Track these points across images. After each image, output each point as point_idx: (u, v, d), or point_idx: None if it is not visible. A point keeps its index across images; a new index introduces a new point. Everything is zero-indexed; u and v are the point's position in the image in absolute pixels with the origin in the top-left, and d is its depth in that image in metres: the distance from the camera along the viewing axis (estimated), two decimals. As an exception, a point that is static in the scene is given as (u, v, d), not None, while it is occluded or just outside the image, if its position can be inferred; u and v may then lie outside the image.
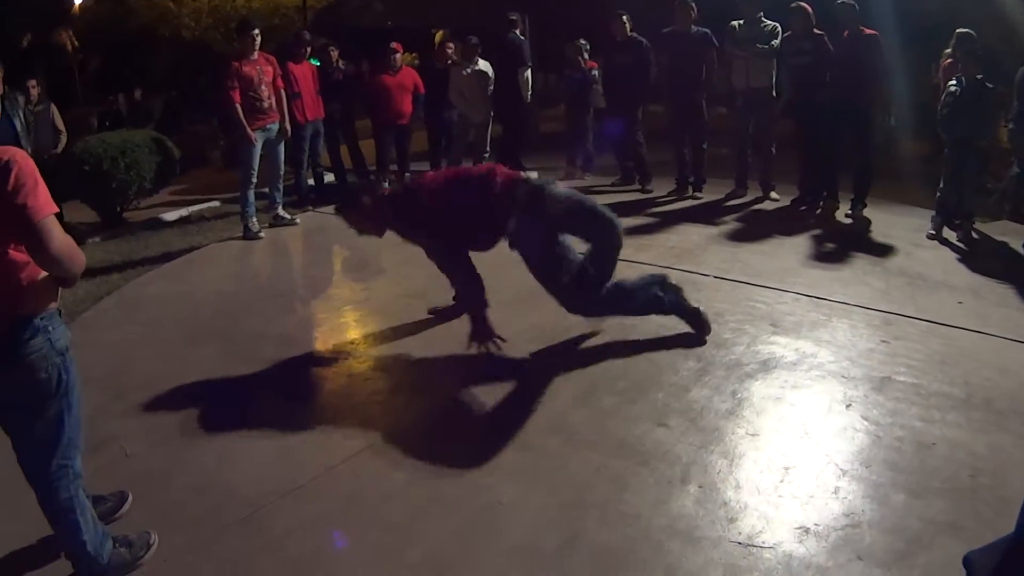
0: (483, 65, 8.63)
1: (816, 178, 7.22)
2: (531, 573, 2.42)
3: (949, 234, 6.09)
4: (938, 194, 6.16)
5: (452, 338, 4.26)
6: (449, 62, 8.79)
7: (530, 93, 8.59)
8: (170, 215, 7.94)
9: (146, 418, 3.57)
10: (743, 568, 2.39)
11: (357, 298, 5.14)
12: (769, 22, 7.02)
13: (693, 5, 7.24)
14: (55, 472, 2.34)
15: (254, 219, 6.75)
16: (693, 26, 7.31)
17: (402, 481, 2.96)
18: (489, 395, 3.64)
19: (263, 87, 6.51)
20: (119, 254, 6.42)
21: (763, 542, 2.51)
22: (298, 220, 7.23)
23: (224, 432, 3.41)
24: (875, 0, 7.41)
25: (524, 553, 2.50)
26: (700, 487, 2.84)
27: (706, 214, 7.07)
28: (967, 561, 2.11)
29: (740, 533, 2.56)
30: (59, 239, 2.06)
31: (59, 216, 7.20)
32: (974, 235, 6.04)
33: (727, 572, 2.38)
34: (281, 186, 7.11)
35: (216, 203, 8.65)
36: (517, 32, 8.57)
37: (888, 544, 2.50)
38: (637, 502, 2.75)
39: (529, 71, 8.49)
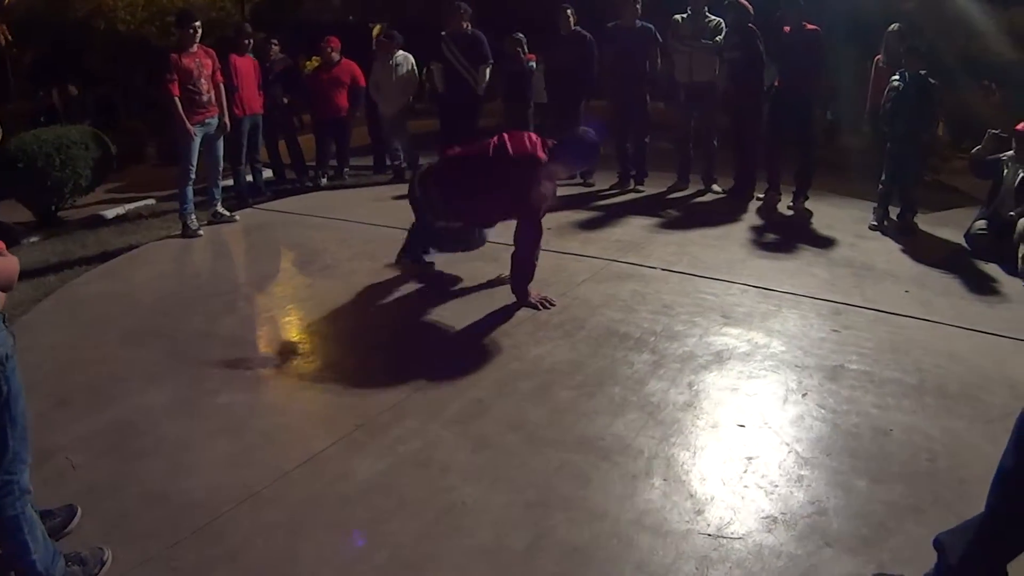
0: (401, 59, 8.57)
1: (748, 169, 7.35)
2: (500, 573, 2.36)
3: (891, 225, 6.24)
4: (880, 186, 6.32)
5: (400, 335, 4.20)
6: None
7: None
8: (107, 213, 7.60)
9: (91, 425, 3.37)
10: (715, 560, 2.38)
11: (302, 296, 5.00)
12: (713, 17, 7.09)
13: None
14: (0, 488, 2.19)
15: (193, 216, 6.52)
16: (637, 21, 7.33)
17: (361, 484, 2.86)
18: (442, 392, 3.55)
19: (202, 80, 6.29)
20: (55, 254, 6.12)
21: (732, 533, 2.51)
22: (237, 217, 7.02)
23: (174, 438, 3.24)
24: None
25: (492, 554, 2.44)
26: (664, 480, 2.82)
27: (649, 207, 7.13)
28: (937, 542, 2.13)
29: (709, 525, 2.55)
30: None
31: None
32: (916, 226, 6.20)
33: (699, 565, 2.36)
34: (220, 182, 6.90)
35: (152, 201, 8.34)
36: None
37: (855, 530, 2.53)
38: (602, 498, 2.72)
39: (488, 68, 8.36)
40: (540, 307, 4.50)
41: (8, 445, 2.17)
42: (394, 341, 4.17)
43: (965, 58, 9.91)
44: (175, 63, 6.13)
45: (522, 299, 4.56)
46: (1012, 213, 5.41)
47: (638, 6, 7.29)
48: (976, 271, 5.32)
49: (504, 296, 4.66)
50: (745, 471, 2.87)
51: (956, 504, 2.58)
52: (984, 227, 5.67)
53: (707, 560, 2.38)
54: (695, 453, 3.01)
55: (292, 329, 4.46)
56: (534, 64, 8.78)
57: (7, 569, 2.34)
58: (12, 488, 2.20)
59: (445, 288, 4.88)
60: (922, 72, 6.02)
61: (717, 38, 7.03)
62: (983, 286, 5.02)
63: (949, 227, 6.29)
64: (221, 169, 6.84)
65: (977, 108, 9.67)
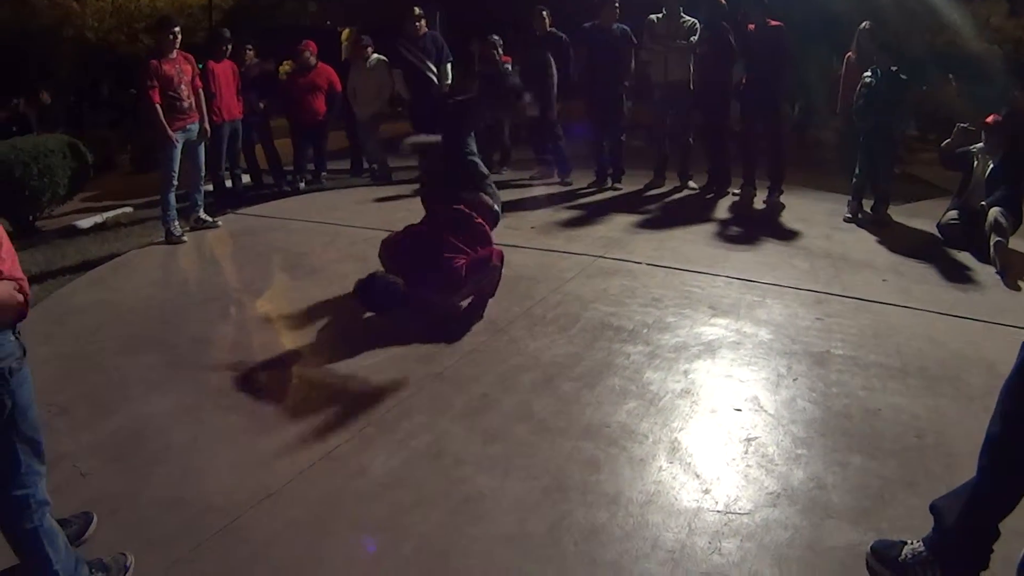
0: (374, 62, 8.68)
1: (722, 166, 7.53)
2: (527, 556, 2.46)
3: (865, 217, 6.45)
4: (853, 179, 6.53)
5: (395, 335, 4.25)
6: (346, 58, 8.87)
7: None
8: (84, 222, 7.55)
9: (96, 433, 3.36)
10: (726, 534, 2.51)
11: (294, 298, 5.01)
12: (688, 18, 7.25)
13: (617, 2, 7.40)
14: (15, 503, 2.17)
15: (176, 223, 6.51)
16: (615, 23, 7.47)
17: (377, 480, 2.93)
18: (447, 388, 3.64)
19: (183, 87, 6.30)
20: (36, 264, 6.06)
21: (740, 509, 2.64)
22: (220, 223, 7.01)
23: (182, 443, 3.26)
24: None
25: (516, 539, 2.53)
26: (670, 463, 2.95)
27: (628, 204, 7.28)
28: (934, 508, 2.30)
29: (717, 503, 2.69)
30: None
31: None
32: (889, 217, 6.42)
33: (712, 539, 2.49)
34: (202, 188, 6.91)
35: (129, 209, 8.29)
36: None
37: (854, 502, 2.68)
38: (614, 481, 2.84)
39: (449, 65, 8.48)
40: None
41: (19, 459, 2.15)
42: (390, 340, 4.21)
43: (931, 52, 10.27)
44: (155, 69, 6.12)
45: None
46: (982, 203, 5.64)
47: (616, 8, 7.42)
48: (949, 259, 5.56)
49: (497, 293, 4.76)
50: (746, 452, 3.01)
51: (945, 476, 2.74)
52: (955, 217, 5.91)
53: (719, 535, 2.51)
54: (697, 436, 3.15)
55: (289, 332, 4.50)
56: (509, 66, 8.89)
57: None
58: (28, 502, 2.18)
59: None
60: (893, 68, 6.24)
61: (692, 38, 7.18)
62: (957, 273, 5.25)
63: (921, 218, 6.53)
64: (203, 175, 6.84)
65: (943, 101, 10.01)
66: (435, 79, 8.27)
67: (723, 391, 3.54)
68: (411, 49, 8.18)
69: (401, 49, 8.21)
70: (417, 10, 8.20)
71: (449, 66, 8.40)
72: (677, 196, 7.68)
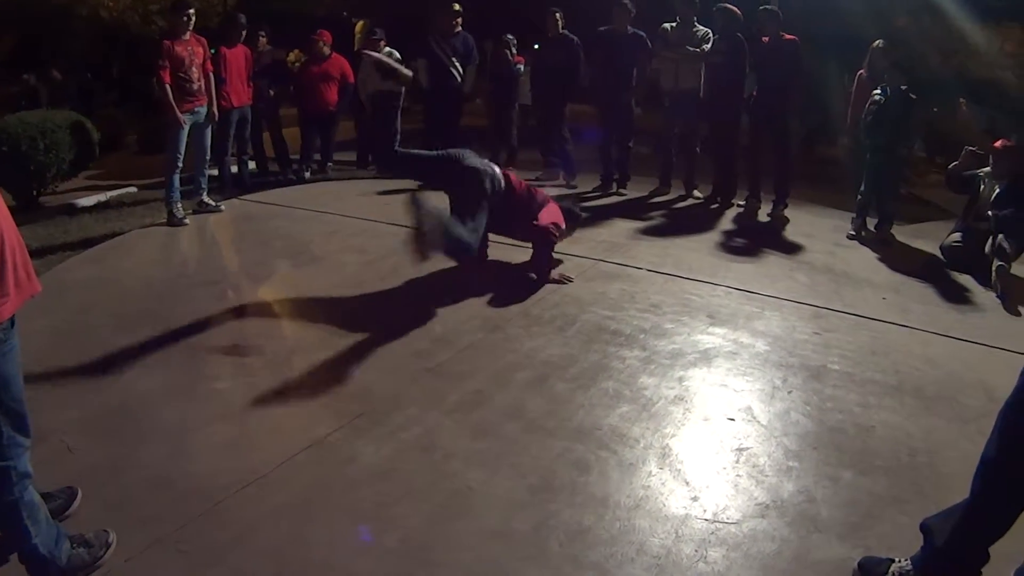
0: (386, 56, 8.64)
1: (728, 177, 7.52)
2: (511, 554, 2.44)
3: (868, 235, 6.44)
4: (859, 197, 6.53)
5: (393, 328, 4.24)
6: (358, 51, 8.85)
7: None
8: (87, 200, 7.55)
9: (86, 409, 3.34)
10: (713, 543, 2.50)
11: (293, 286, 5.02)
12: (701, 27, 7.25)
13: (631, 6, 7.39)
14: None
15: (179, 205, 6.50)
16: (629, 27, 7.46)
17: (366, 469, 2.91)
18: (441, 382, 3.63)
19: (193, 69, 6.30)
20: (36, 239, 6.04)
21: (728, 518, 2.63)
22: (223, 207, 7.01)
23: (173, 423, 3.24)
24: (795, 8, 7.77)
25: (502, 535, 2.52)
26: (660, 468, 2.94)
27: (632, 210, 7.26)
28: (924, 527, 2.28)
29: (705, 511, 2.67)
30: None
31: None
32: (893, 237, 6.41)
33: (699, 547, 2.47)
34: (207, 172, 6.89)
35: (133, 189, 8.29)
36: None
37: (842, 517, 2.67)
38: (602, 484, 2.82)
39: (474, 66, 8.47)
40: (563, 282, 4.99)
41: (1, 431, 2.13)
42: (388, 333, 4.20)
43: (944, 74, 10.30)
44: (168, 50, 6.12)
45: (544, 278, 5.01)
46: (986, 226, 5.63)
47: (631, 13, 7.41)
48: (951, 281, 5.56)
49: (494, 291, 4.76)
50: (737, 461, 3.00)
51: (936, 495, 2.72)
52: (959, 240, 5.91)
53: (705, 543, 2.50)
54: (688, 444, 3.13)
55: (286, 318, 4.50)
56: (521, 67, 8.90)
57: (8, 553, 2.32)
58: (9, 474, 2.16)
59: (436, 284, 4.96)
60: (903, 87, 6.23)
61: (704, 47, 7.17)
62: (957, 295, 5.25)
63: (924, 239, 6.53)
64: (208, 158, 6.84)
65: (952, 124, 10.05)
66: (458, 78, 8.25)
67: (717, 400, 3.52)
68: (441, 45, 8.18)
69: (431, 42, 8.20)
70: (457, 7, 8.20)
71: (474, 69, 8.38)
72: (681, 204, 7.67)
